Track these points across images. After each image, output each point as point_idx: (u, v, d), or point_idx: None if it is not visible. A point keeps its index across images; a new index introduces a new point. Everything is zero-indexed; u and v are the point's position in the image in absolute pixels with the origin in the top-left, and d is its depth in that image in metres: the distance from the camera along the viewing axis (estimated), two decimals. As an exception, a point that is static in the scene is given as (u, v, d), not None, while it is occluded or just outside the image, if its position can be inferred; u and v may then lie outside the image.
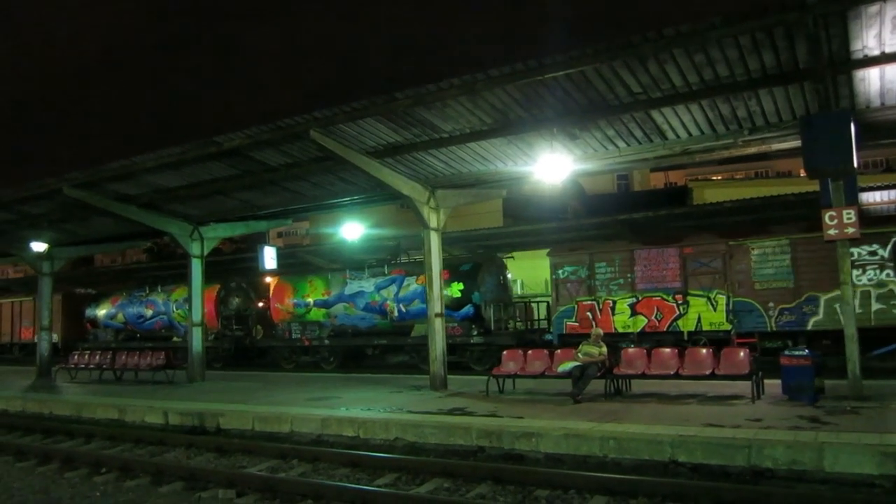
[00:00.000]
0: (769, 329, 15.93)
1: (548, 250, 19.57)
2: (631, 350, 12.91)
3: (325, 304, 22.34)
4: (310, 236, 47.11)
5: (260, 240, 31.20)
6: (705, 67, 9.86)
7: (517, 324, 21.06)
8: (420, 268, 20.07)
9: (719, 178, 51.61)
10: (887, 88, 10.26)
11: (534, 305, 22.21)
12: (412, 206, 14.34)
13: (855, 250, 14.33)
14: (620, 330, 17.33)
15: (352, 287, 21.80)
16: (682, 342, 15.94)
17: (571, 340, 16.49)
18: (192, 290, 18.59)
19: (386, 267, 21.70)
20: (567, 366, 11.91)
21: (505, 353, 13.69)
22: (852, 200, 10.85)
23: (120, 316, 28.59)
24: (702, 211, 19.76)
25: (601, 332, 12.84)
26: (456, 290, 19.40)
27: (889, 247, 14.95)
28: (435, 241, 14.37)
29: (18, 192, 17.25)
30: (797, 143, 10.99)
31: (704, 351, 11.74)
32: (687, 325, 16.78)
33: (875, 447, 7.16)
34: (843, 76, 9.95)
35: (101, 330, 29.57)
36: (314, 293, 22.67)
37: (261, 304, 25.57)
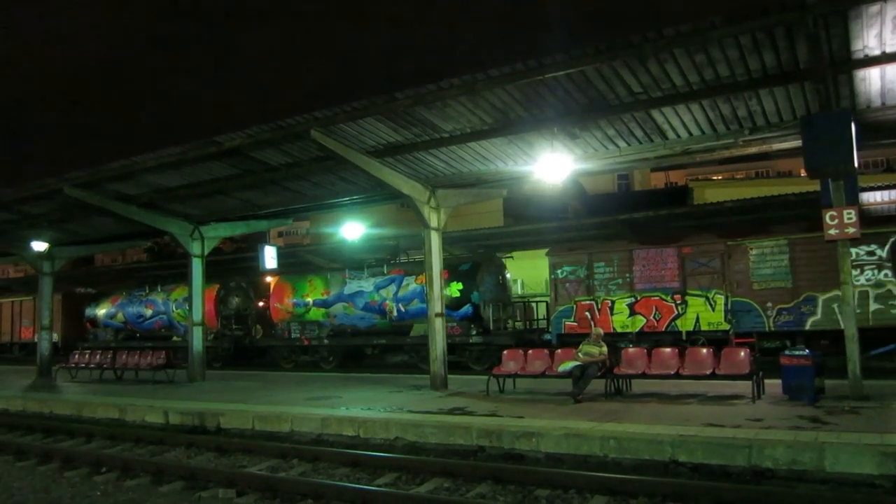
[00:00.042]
0: (767, 329, 15.94)
1: (546, 250, 19.57)
2: (631, 350, 12.91)
3: (324, 304, 22.35)
4: (310, 236, 47.13)
5: (261, 239, 31.21)
6: (706, 67, 9.86)
7: (516, 323, 21.06)
8: (419, 267, 20.08)
9: (720, 177, 51.64)
10: (888, 88, 10.26)
11: (534, 305, 22.24)
12: (413, 205, 14.34)
13: (853, 250, 14.32)
14: (619, 330, 17.33)
15: (351, 287, 21.81)
16: (681, 342, 15.95)
17: (570, 340, 16.49)
18: (192, 289, 18.59)
19: (385, 267, 21.72)
20: (567, 365, 11.91)
21: (505, 352, 13.69)
22: (853, 200, 10.85)
23: (120, 315, 28.61)
24: (702, 211, 19.75)
25: (601, 331, 12.84)
26: (455, 289, 19.41)
27: (887, 247, 14.95)
28: (435, 240, 14.37)
29: (19, 192, 17.25)
30: (798, 142, 10.99)
31: (705, 351, 11.73)
32: (685, 324, 16.79)
33: (875, 447, 7.16)
34: (844, 76, 9.95)
35: (101, 329, 29.59)
36: (313, 293, 22.67)
37: (261, 304, 25.58)
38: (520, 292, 26.57)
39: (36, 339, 23.69)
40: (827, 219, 10.63)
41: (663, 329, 16.99)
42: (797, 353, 10.70)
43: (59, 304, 28.23)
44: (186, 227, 18.39)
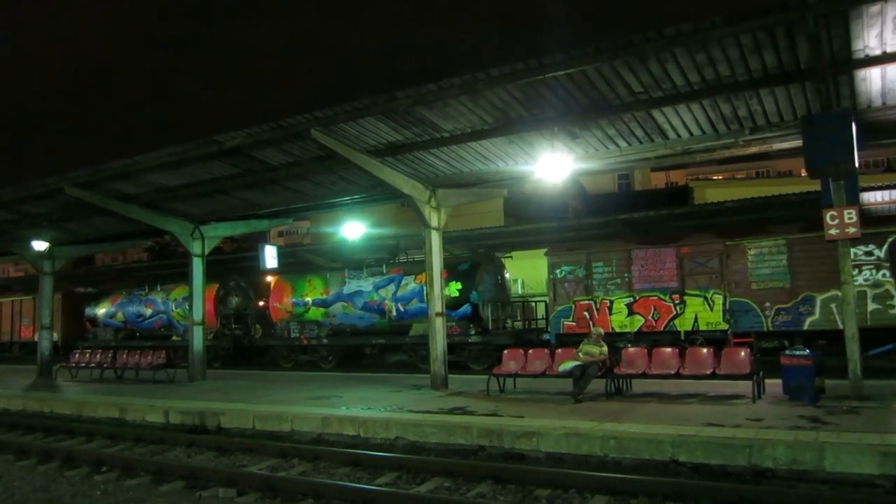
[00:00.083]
0: (765, 329, 15.95)
1: (545, 250, 19.58)
2: (632, 350, 12.91)
3: (323, 304, 22.36)
4: (310, 235, 47.12)
5: (261, 239, 31.22)
6: (706, 67, 9.85)
7: (515, 323, 21.06)
8: (418, 267, 20.11)
9: (720, 177, 51.64)
10: (888, 88, 10.25)
11: (534, 305, 22.24)
12: (413, 205, 14.34)
13: (851, 250, 14.35)
14: (617, 329, 17.33)
15: (350, 286, 21.82)
16: (679, 342, 15.96)
17: (569, 340, 16.51)
18: (193, 288, 18.59)
19: (384, 266, 21.72)
20: (568, 365, 11.91)
21: (506, 352, 13.69)
22: (853, 200, 10.85)
23: (119, 315, 28.63)
24: (702, 210, 19.77)
25: (602, 331, 12.84)
26: (454, 289, 19.42)
27: (885, 247, 14.96)
28: (436, 240, 14.37)
29: (19, 192, 17.26)
30: (798, 142, 10.98)
31: (705, 351, 11.73)
32: (684, 324, 16.80)
33: (876, 447, 7.16)
34: (845, 76, 9.94)
35: (101, 329, 29.61)
36: (313, 292, 22.68)
37: (260, 304, 25.60)
38: (520, 292, 26.59)
39: (36, 339, 23.69)
40: (827, 219, 10.63)
41: (662, 329, 17.00)
42: (798, 352, 10.69)
43: (59, 304, 28.25)
44: (187, 226, 18.39)
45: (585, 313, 17.98)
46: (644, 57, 9.59)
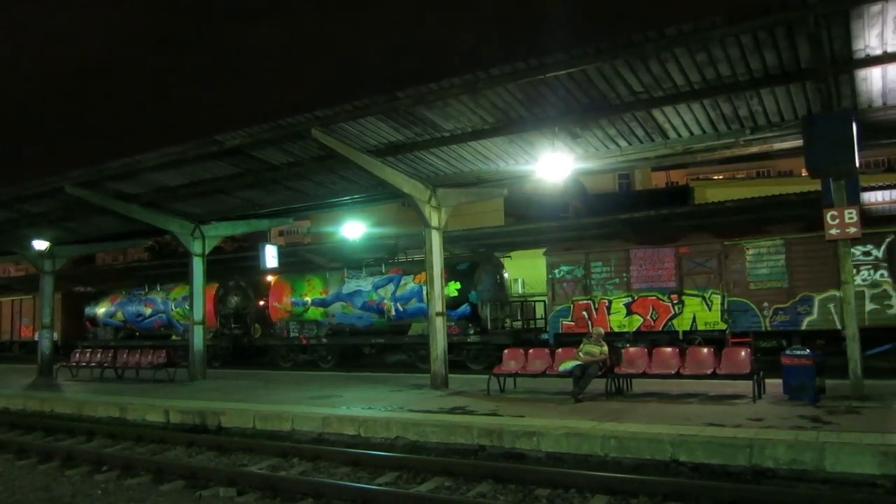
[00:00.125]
0: (764, 329, 15.95)
1: (542, 250, 19.59)
2: (632, 349, 12.91)
3: (322, 303, 22.36)
4: (311, 235, 47.10)
5: (262, 238, 31.20)
6: (707, 66, 9.85)
7: (514, 323, 21.07)
8: (417, 267, 20.12)
9: (721, 177, 51.62)
10: (889, 88, 10.25)
11: (534, 305, 22.24)
12: (413, 204, 14.34)
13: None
14: (616, 329, 17.33)
15: (349, 286, 21.82)
16: (678, 342, 15.97)
17: (567, 340, 16.51)
18: (193, 288, 18.58)
19: (383, 266, 21.72)
20: (568, 365, 11.91)
21: (506, 351, 13.69)
22: (854, 200, 10.84)
23: (119, 314, 28.64)
24: (703, 210, 19.79)
25: (602, 331, 12.85)
26: (453, 289, 19.42)
27: (883, 247, 14.97)
28: (436, 239, 14.37)
29: (20, 191, 17.26)
30: (799, 142, 10.98)
31: (706, 350, 11.73)
32: (682, 324, 16.79)
33: (876, 447, 7.16)
34: (845, 76, 9.94)
35: (101, 328, 29.62)
36: (312, 292, 22.68)
37: (261, 303, 25.60)
38: (521, 291, 26.59)
39: (36, 338, 23.70)
40: (828, 218, 10.62)
41: (660, 329, 17.01)
42: (798, 352, 10.68)
43: (59, 303, 28.26)
44: (187, 225, 18.39)
45: (584, 313, 17.98)
46: (645, 56, 9.59)
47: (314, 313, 22.62)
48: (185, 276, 19.77)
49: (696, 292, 16.73)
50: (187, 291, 19.54)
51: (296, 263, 24.53)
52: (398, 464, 8.55)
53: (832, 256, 14.36)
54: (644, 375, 11.79)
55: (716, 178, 50.88)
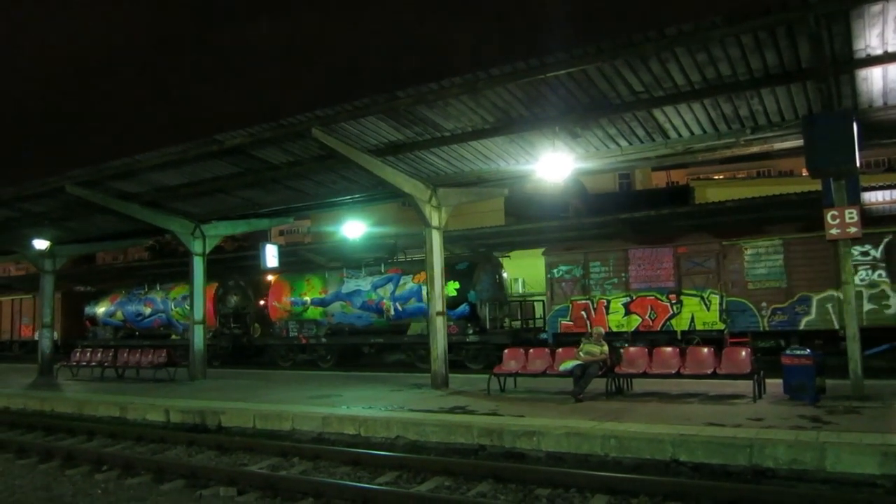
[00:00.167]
0: (762, 329, 15.97)
1: (542, 249, 19.59)
2: (632, 349, 12.91)
3: (322, 303, 22.37)
4: (311, 234, 47.13)
5: (262, 237, 31.20)
6: (707, 66, 9.84)
7: (513, 322, 21.08)
8: (416, 266, 20.13)
9: (721, 177, 51.65)
10: (890, 88, 10.24)
11: (534, 304, 22.24)
12: (414, 204, 14.35)
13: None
14: (614, 329, 17.35)
15: (349, 285, 21.83)
16: (676, 341, 15.99)
17: (566, 340, 16.53)
18: (193, 287, 18.59)
19: (382, 266, 21.73)
20: (568, 364, 11.91)
21: (506, 351, 13.69)
22: (854, 200, 10.83)
23: (119, 314, 28.65)
24: (703, 210, 19.80)
25: (602, 330, 12.86)
26: (452, 288, 19.42)
27: (881, 247, 14.99)
28: (437, 239, 14.37)
29: (21, 190, 17.26)
30: (799, 142, 10.98)
31: (706, 350, 11.73)
32: (680, 324, 16.81)
33: (877, 447, 7.16)
34: (846, 75, 9.93)
35: (100, 328, 29.63)
36: (311, 292, 22.69)
37: (262, 303, 25.61)
38: (521, 291, 26.60)
39: (36, 337, 23.70)
40: (828, 218, 10.62)
41: (658, 329, 17.02)
42: (799, 352, 10.68)
43: (59, 303, 28.27)
44: (188, 225, 18.39)
45: (583, 313, 18.01)
46: (645, 56, 9.59)
47: (313, 313, 22.62)
48: (185, 276, 19.77)
49: (694, 292, 16.75)
50: (187, 291, 19.55)
51: (296, 263, 24.54)
52: (398, 463, 8.55)
53: (830, 256, 14.40)
54: (644, 375, 11.79)
55: (716, 177, 50.91)
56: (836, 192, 10.71)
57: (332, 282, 22.31)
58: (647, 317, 17.21)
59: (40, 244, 20.75)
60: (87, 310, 29.96)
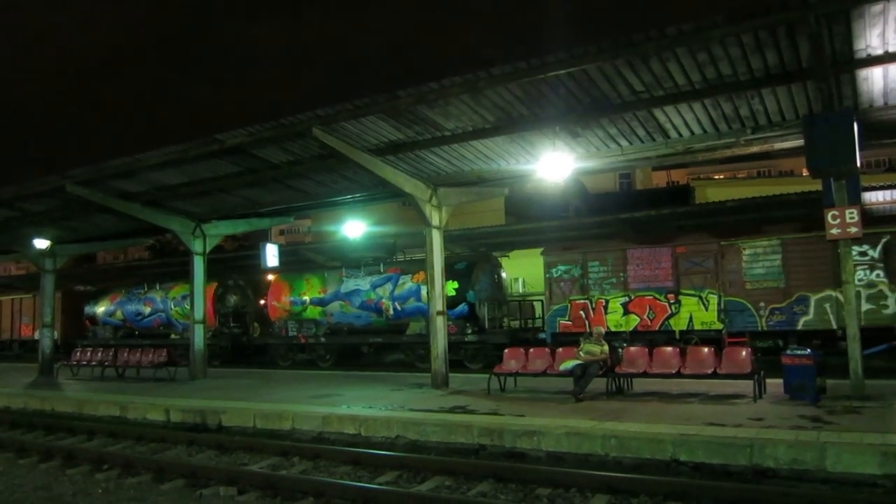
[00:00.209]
0: (760, 329, 15.99)
1: (541, 249, 19.60)
2: (632, 349, 12.92)
3: (321, 303, 22.37)
4: (311, 233, 47.13)
5: (262, 237, 31.19)
6: (708, 66, 9.84)
7: (511, 322, 21.08)
8: (415, 266, 20.13)
9: (721, 177, 51.61)
10: (890, 88, 10.24)
11: (533, 304, 22.25)
12: (414, 203, 14.35)
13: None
14: (613, 329, 17.37)
15: (348, 285, 21.83)
16: (674, 341, 16.00)
17: (565, 339, 16.55)
18: (194, 287, 18.59)
19: (382, 265, 21.74)
20: (568, 364, 11.91)
21: (506, 351, 13.70)
22: (855, 200, 10.83)
23: (119, 313, 28.65)
24: (703, 210, 19.80)
25: (602, 330, 12.86)
26: (450, 288, 19.38)
27: (879, 247, 15.02)
28: (437, 238, 14.37)
29: (21, 190, 17.25)
30: (800, 142, 10.98)
31: (706, 350, 11.73)
32: (679, 324, 16.84)
33: (877, 447, 7.16)
34: (846, 75, 9.94)
35: (100, 327, 29.63)
36: (310, 291, 22.70)
37: (261, 303, 25.61)
38: (521, 291, 26.61)
39: (36, 337, 23.70)
40: (829, 218, 10.62)
41: (657, 328, 17.04)
42: (799, 352, 10.68)
43: (59, 302, 28.22)
44: (188, 224, 18.38)
45: (581, 312, 18.03)
46: (645, 56, 9.58)
47: (312, 312, 22.63)
48: (185, 275, 19.76)
49: (692, 292, 16.77)
50: (186, 290, 19.55)
51: (296, 262, 24.54)
52: (399, 463, 8.55)
53: (828, 257, 14.41)
54: (645, 375, 11.78)
55: (717, 177, 50.86)
56: (836, 192, 10.71)
57: (332, 281, 22.32)
58: (645, 316, 17.23)
59: (41, 243, 20.75)
60: (87, 309, 29.96)
